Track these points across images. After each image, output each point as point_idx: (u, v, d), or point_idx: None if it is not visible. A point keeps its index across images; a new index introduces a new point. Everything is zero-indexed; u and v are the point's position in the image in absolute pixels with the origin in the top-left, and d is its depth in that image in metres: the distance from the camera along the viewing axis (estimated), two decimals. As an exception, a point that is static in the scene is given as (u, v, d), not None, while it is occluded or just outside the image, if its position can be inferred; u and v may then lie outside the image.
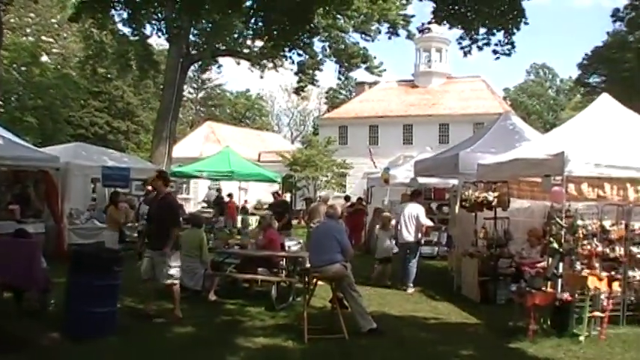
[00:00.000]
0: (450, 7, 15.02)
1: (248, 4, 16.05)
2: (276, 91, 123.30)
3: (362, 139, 50.68)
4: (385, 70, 33.51)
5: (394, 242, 14.76)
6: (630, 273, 10.17)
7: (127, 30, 27.81)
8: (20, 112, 43.47)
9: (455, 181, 15.88)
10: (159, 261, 9.92)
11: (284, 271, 12.63)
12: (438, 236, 20.15)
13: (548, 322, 9.78)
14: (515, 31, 15.04)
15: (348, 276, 9.83)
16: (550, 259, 10.30)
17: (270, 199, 24.91)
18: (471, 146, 14.62)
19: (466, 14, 15.00)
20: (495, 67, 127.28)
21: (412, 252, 14.18)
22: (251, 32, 25.86)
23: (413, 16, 28.73)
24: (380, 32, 29.45)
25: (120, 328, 9.05)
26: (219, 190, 28.20)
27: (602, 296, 9.64)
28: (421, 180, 18.37)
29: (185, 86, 40.59)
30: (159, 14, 26.35)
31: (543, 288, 9.91)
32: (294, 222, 22.71)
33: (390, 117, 50.98)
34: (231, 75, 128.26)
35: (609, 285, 9.57)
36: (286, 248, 13.86)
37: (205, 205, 31.83)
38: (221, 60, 35.66)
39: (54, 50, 49.83)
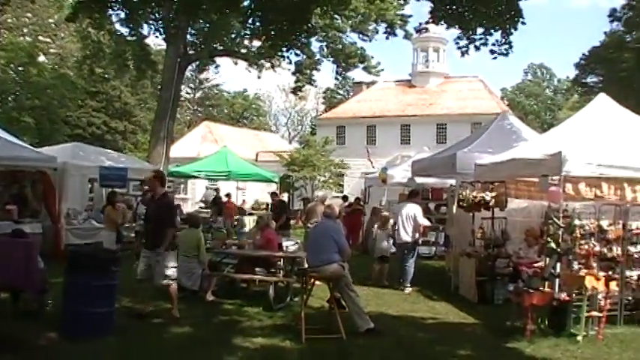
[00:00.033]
0: (448, 7, 15.04)
1: (245, 4, 16.09)
2: (274, 91, 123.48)
3: (359, 139, 50.69)
4: (383, 69, 33.49)
5: (392, 242, 14.76)
6: (628, 273, 10.18)
7: (124, 30, 27.84)
8: (17, 112, 43.35)
9: (452, 181, 15.87)
10: (155, 261, 9.93)
11: (282, 271, 12.64)
12: (435, 236, 20.15)
13: (546, 322, 9.80)
14: (512, 31, 15.08)
15: (345, 276, 9.83)
16: (547, 259, 10.31)
17: (268, 199, 24.98)
18: (468, 146, 14.62)
19: (463, 14, 15.02)
20: (493, 67, 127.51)
21: (410, 252, 14.19)
22: (248, 32, 25.91)
23: (410, 16, 28.77)
24: (377, 32, 29.41)
25: (117, 328, 9.05)
26: (217, 190, 28.18)
27: (600, 296, 9.65)
28: (419, 180, 18.37)
29: (182, 86, 40.53)
30: (156, 14, 26.34)
31: (541, 288, 9.93)
32: (292, 222, 22.68)
33: (388, 117, 50.98)
34: (229, 75, 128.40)
35: (607, 285, 9.57)
36: (284, 248, 13.86)
37: (203, 205, 31.82)
38: (218, 60, 35.77)
39: (51, 50, 49.75)
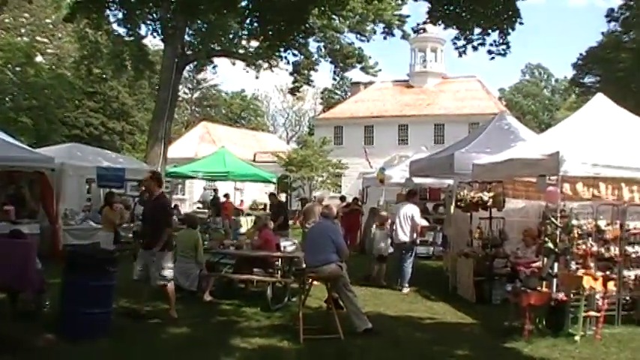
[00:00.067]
0: (445, 7, 15.05)
1: (243, 4, 16.07)
2: (272, 91, 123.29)
3: (357, 139, 50.74)
4: (380, 70, 33.50)
5: (389, 242, 14.77)
6: (625, 272, 10.19)
7: (122, 30, 27.78)
8: (15, 112, 43.31)
9: (450, 181, 15.90)
10: (151, 261, 9.94)
11: (279, 272, 12.63)
12: (433, 236, 20.16)
13: (544, 322, 9.80)
14: (510, 31, 15.07)
15: (343, 276, 9.83)
16: (545, 259, 10.32)
17: (266, 199, 24.98)
18: (466, 146, 14.63)
19: (461, 14, 15.03)
20: (490, 67, 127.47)
21: (407, 252, 14.19)
22: (246, 32, 25.84)
23: (408, 16, 28.86)
24: (375, 32, 29.40)
25: (115, 328, 9.04)
26: (215, 190, 28.18)
27: (598, 296, 9.65)
28: (416, 180, 18.38)
29: (180, 86, 40.58)
30: (154, 14, 26.29)
31: (539, 288, 9.92)
32: (290, 222, 22.68)
33: (386, 117, 51.04)
34: (227, 75, 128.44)
35: (604, 285, 9.58)
36: (282, 249, 13.85)
37: (201, 205, 31.84)
38: (216, 60, 35.67)
39: (49, 50, 49.69)
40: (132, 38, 27.63)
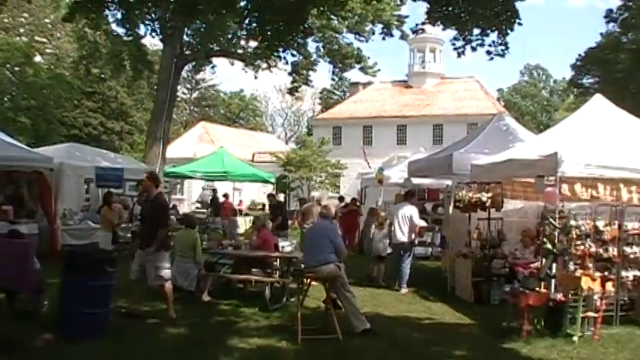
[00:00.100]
0: (444, 7, 15.05)
1: (242, 4, 16.06)
2: (270, 91, 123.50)
3: (356, 139, 50.71)
4: (379, 70, 33.59)
5: (388, 242, 14.77)
6: (623, 273, 10.21)
7: (120, 30, 27.84)
8: (13, 112, 43.27)
9: (449, 182, 15.91)
10: (148, 261, 9.95)
11: (278, 272, 12.63)
12: (431, 237, 20.16)
13: (542, 323, 9.81)
14: (508, 31, 15.07)
15: (341, 276, 9.84)
16: (543, 260, 10.32)
17: (264, 200, 24.94)
18: (464, 147, 14.63)
19: (460, 15, 15.03)
20: (489, 68, 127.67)
21: (406, 252, 14.19)
22: (245, 32, 25.88)
23: (407, 16, 28.82)
24: (374, 33, 29.49)
25: (113, 328, 9.05)
26: (214, 190, 28.17)
27: (596, 296, 9.66)
28: (415, 180, 18.39)
29: (179, 86, 40.55)
30: (153, 14, 26.34)
31: (537, 288, 9.93)
32: (289, 222, 22.67)
33: (384, 117, 51.02)
34: (225, 75, 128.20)
35: (602, 285, 9.58)
36: (280, 249, 13.86)
37: (199, 205, 31.82)
38: (215, 60, 35.74)
39: (47, 50, 49.68)
40: (131, 38, 27.68)
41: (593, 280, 9.50)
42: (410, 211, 14.32)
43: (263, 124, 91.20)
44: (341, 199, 26.61)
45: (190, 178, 27.50)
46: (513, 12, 14.74)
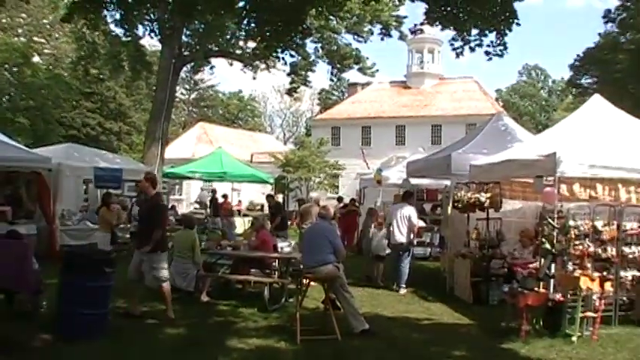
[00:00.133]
0: (442, 8, 15.05)
1: (240, 4, 16.06)
2: (269, 92, 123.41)
3: (354, 140, 50.76)
4: (378, 71, 33.53)
5: (387, 243, 14.77)
6: (622, 273, 10.20)
7: (119, 31, 27.75)
8: (12, 112, 43.30)
9: (447, 182, 15.90)
10: (145, 262, 9.96)
11: (276, 272, 12.63)
12: (430, 237, 20.16)
13: (541, 323, 9.81)
14: (507, 32, 15.06)
15: (340, 277, 9.83)
16: (542, 260, 10.33)
17: (263, 200, 24.92)
18: (463, 147, 14.64)
19: (458, 15, 15.02)
20: (487, 68, 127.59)
21: (404, 253, 14.19)
22: (243, 33, 25.90)
23: (405, 17, 28.74)
24: (372, 33, 29.44)
25: (112, 329, 9.05)
26: (214, 191, 28.17)
27: (595, 296, 9.66)
28: (413, 181, 18.39)
29: (177, 87, 40.41)
30: (151, 15, 26.31)
31: (536, 288, 9.93)
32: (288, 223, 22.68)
33: (383, 118, 51.06)
34: (224, 76, 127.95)
35: (601, 285, 9.59)
36: (279, 249, 13.86)
37: (198, 206, 31.79)
38: (213, 61, 35.61)
39: (46, 51, 49.66)
40: (129, 39, 27.62)
41: (592, 280, 9.50)
42: (408, 211, 14.31)
43: (262, 124, 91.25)
44: (340, 199, 26.62)
45: (189, 178, 27.52)
46: (512, 12, 14.74)
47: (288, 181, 45.20)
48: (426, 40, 50.28)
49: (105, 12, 23.08)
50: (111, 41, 29.09)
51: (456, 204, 13.55)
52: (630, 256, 10.25)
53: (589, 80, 42.34)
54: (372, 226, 15.69)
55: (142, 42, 29.31)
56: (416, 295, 13.45)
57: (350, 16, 27.64)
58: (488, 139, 14.62)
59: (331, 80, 38.60)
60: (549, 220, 10.04)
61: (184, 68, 32.30)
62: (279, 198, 26.36)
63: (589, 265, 9.82)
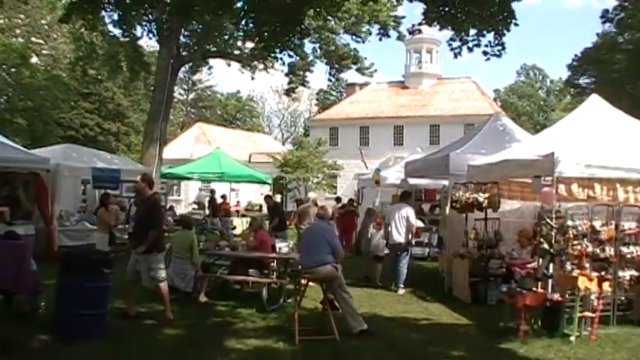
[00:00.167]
0: (441, 8, 15.05)
1: (239, 5, 16.06)
2: (267, 92, 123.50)
3: (353, 140, 50.79)
4: (376, 71, 33.55)
5: (385, 243, 14.76)
6: (620, 273, 10.20)
7: (117, 31, 27.74)
8: (10, 113, 43.28)
9: (445, 182, 15.89)
10: (140, 263, 9.96)
11: (275, 273, 12.63)
12: (428, 237, 20.13)
13: (539, 323, 9.81)
14: (505, 32, 15.08)
15: (338, 277, 9.83)
16: (540, 260, 10.33)
17: (261, 200, 24.90)
18: (461, 147, 14.64)
19: (456, 15, 15.03)
20: (486, 68, 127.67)
21: (403, 253, 14.19)
22: (241, 33, 25.90)
23: (403, 17, 28.85)
24: (370, 33, 29.48)
25: (110, 330, 9.05)
26: (212, 191, 28.18)
27: (593, 296, 9.67)
28: (412, 181, 18.37)
29: (176, 88, 40.47)
30: (149, 16, 26.27)
31: (534, 288, 9.94)
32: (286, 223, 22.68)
33: (381, 118, 51.08)
34: (222, 76, 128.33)
35: (599, 285, 9.60)
36: (277, 250, 13.85)
37: (196, 206, 31.79)
38: (212, 61, 35.71)
39: (44, 51, 49.61)
40: (127, 39, 27.62)
41: (590, 280, 9.51)
42: (407, 211, 14.31)
43: (260, 125, 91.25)
44: (338, 199, 26.62)
45: (187, 179, 27.51)
46: (510, 12, 14.75)
47: (286, 181, 45.25)
48: (424, 41, 50.33)
49: (103, 12, 23.11)
50: (109, 42, 29.09)
51: (454, 204, 13.54)
52: (628, 255, 10.25)
53: (587, 80, 42.36)
54: (371, 226, 15.69)
55: (140, 42, 29.32)
56: (414, 296, 13.45)
57: (348, 17, 27.67)
58: (486, 140, 14.62)
59: (329, 80, 38.75)
60: (547, 220, 10.05)
61: (182, 69, 32.33)
62: (278, 198, 26.33)
63: (587, 265, 9.83)
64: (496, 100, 69.46)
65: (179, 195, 46.58)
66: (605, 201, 10.17)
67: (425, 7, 15.26)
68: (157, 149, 24.99)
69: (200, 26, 27.57)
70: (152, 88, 30.57)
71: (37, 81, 42.99)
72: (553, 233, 9.95)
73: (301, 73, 30.91)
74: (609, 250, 10.04)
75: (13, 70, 43.00)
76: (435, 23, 15.50)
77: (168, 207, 24.80)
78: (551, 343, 9.14)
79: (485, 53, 15.54)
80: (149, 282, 9.99)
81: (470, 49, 15.53)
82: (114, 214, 16.29)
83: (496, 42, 15.30)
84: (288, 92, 33.98)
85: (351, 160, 47.68)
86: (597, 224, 10.03)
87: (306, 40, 26.18)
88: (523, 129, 16.79)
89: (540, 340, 9.30)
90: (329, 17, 25.59)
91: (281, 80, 69.56)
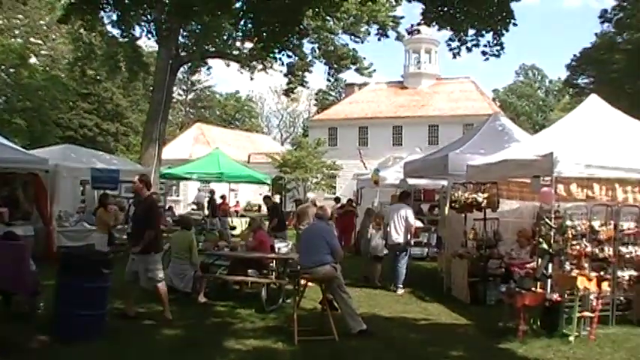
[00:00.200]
0: (439, 8, 15.03)
1: (237, 5, 16.05)
2: (266, 92, 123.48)
3: (352, 140, 50.81)
4: (375, 71, 33.58)
5: (384, 243, 14.76)
6: (619, 273, 10.20)
7: (116, 32, 27.75)
8: (8, 114, 43.25)
9: (444, 182, 15.90)
10: (138, 263, 9.96)
11: (274, 273, 12.63)
12: (427, 237, 20.11)
13: (538, 323, 9.81)
14: (504, 32, 15.06)
15: (337, 277, 9.82)
16: (539, 260, 10.34)
17: (260, 201, 24.89)
18: (460, 147, 14.64)
19: (455, 16, 15.01)
20: (484, 68, 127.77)
21: (401, 253, 14.18)
22: (240, 34, 25.81)
23: (402, 17, 28.81)
24: (369, 34, 29.50)
25: (110, 330, 9.05)
26: (212, 192, 28.19)
27: (592, 296, 9.67)
28: (411, 181, 18.37)
29: (174, 88, 40.47)
30: (148, 16, 26.28)
31: (533, 288, 9.95)
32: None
33: (380, 118, 51.09)
34: (221, 77, 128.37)
35: (598, 285, 9.60)
36: (276, 250, 13.85)
37: (195, 207, 31.79)
38: (210, 62, 35.63)
39: (42, 52, 49.62)
40: (126, 40, 27.60)
41: (589, 279, 9.51)
42: (405, 211, 14.31)
43: (259, 125, 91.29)
44: (337, 200, 26.62)
45: (186, 179, 27.51)
46: (508, 12, 14.74)
47: (285, 181, 45.26)
48: (423, 41, 50.36)
49: (102, 13, 23.08)
50: (108, 42, 29.09)
51: (453, 204, 13.54)
52: (627, 255, 10.25)
53: (586, 80, 42.38)
54: (371, 226, 15.69)
55: (138, 43, 29.32)
56: (413, 296, 13.45)
57: (347, 17, 27.68)
58: (485, 140, 14.62)
59: (328, 81, 38.64)
60: (546, 220, 10.05)
61: (181, 69, 32.32)
62: (276, 199, 26.35)
63: (586, 265, 9.83)
64: (495, 100, 69.49)
65: (178, 195, 46.60)
66: (604, 201, 10.18)
67: (424, 7, 15.25)
68: (155, 149, 24.99)
69: (199, 26, 27.57)
70: (151, 88, 30.59)
71: (36, 81, 42.98)
72: (552, 233, 9.96)
73: (300, 73, 30.90)
74: (608, 250, 10.04)
75: (11, 70, 43.01)
76: (434, 23, 15.48)
77: (167, 207, 24.80)
78: (550, 343, 9.14)
79: (484, 53, 15.53)
80: (147, 282, 9.99)
81: (469, 49, 15.51)
82: (113, 214, 16.29)
83: (495, 42, 15.29)
84: (287, 92, 33.96)
85: (350, 160, 47.70)
86: (596, 224, 10.03)
87: (304, 41, 26.20)
88: (522, 129, 16.79)
89: (539, 340, 9.30)
90: (328, 17, 25.58)
91: (280, 80, 69.42)
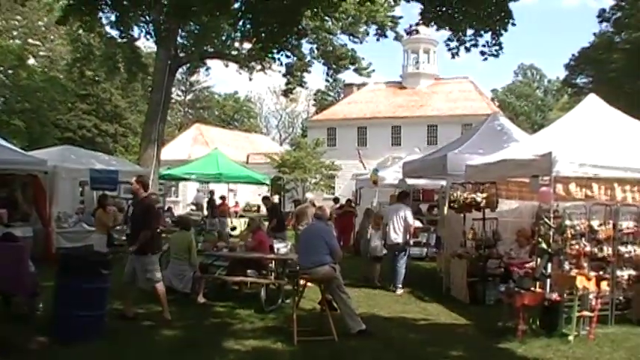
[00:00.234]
0: (438, 8, 15.02)
1: (236, 6, 16.02)
2: (265, 93, 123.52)
3: (350, 140, 50.82)
4: (373, 71, 33.55)
5: (382, 243, 14.76)
6: (618, 272, 10.20)
7: (114, 32, 27.68)
8: (7, 115, 43.25)
9: (443, 182, 15.90)
10: (136, 264, 9.95)
11: (273, 274, 12.62)
12: (426, 237, 20.12)
13: (537, 323, 9.81)
14: (502, 32, 15.05)
15: (337, 278, 9.82)
16: (539, 260, 10.34)
17: (259, 201, 24.88)
18: (459, 147, 14.64)
19: (453, 16, 15.00)
20: (483, 68, 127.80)
21: (400, 253, 14.18)
22: (239, 34, 25.75)
23: (401, 17, 28.87)
24: (368, 34, 29.49)
25: (109, 331, 9.04)
26: (211, 192, 28.20)
27: (591, 296, 9.67)
28: (410, 181, 18.37)
29: (173, 89, 40.46)
30: (147, 17, 26.25)
31: (532, 288, 9.95)
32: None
33: (379, 118, 51.10)
34: (220, 77, 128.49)
35: (598, 285, 9.60)
36: (275, 250, 13.84)
37: (194, 207, 31.79)
38: (209, 62, 35.67)
39: (41, 53, 49.62)
40: (125, 40, 27.57)
41: (589, 279, 9.51)
42: (404, 211, 14.30)
43: (257, 125, 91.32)
44: (336, 200, 26.62)
45: (185, 180, 27.52)
46: (507, 12, 14.73)
47: (284, 182, 45.25)
48: (422, 41, 50.39)
49: (100, 14, 23.02)
50: (106, 43, 29.05)
51: (452, 204, 13.54)
52: (626, 255, 10.25)
53: (584, 80, 42.43)
54: (370, 227, 15.69)
55: (137, 44, 29.32)
56: (412, 296, 13.45)
57: (345, 17, 27.67)
58: (484, 139, 14.62)
59: (327, 81, 38.63)
60: (545, 219, 10.05)
61: (180, 70, 32.31)
62: (275, 199, 26.32)
63: (585, 265, 9.84)
64: (494, 100, 69.55)
65: (177, 196, 46.57)
66: (603, 200, 10.18)
67: (422, 7, 15.23)
68: (154, 150, 24.97)
69: (197, 27, 27.54)
70: (150, 89, 30.55)
71: (35, 83, 42.98)
72: (551, 233, 9.96)
73: (299, 73, 30.89)
74: (607, 250, 10.05)
75: (10, 71, 43.02)
76: (433, 23, 15.46)
77: (166, 208, 24.79)
78: (549, 342, 9.14)
79: (482, 53, 15.51)
80: (145, 283, 9.99)
81: (467, 49, 15.50)
82: (112, 215, 16.29)
83: (493, 42, 15.27)
84: (286, 93, 33.94)
85: (349, 160, 47.71)
86: (595, 224, 10.04)
87: (303, 41, 26.16)
88: (521, 129, 16.81)
89: (539, 339, 9.30)
90: (326, 18, 25.56)
91: (278, 81, 69.72)
